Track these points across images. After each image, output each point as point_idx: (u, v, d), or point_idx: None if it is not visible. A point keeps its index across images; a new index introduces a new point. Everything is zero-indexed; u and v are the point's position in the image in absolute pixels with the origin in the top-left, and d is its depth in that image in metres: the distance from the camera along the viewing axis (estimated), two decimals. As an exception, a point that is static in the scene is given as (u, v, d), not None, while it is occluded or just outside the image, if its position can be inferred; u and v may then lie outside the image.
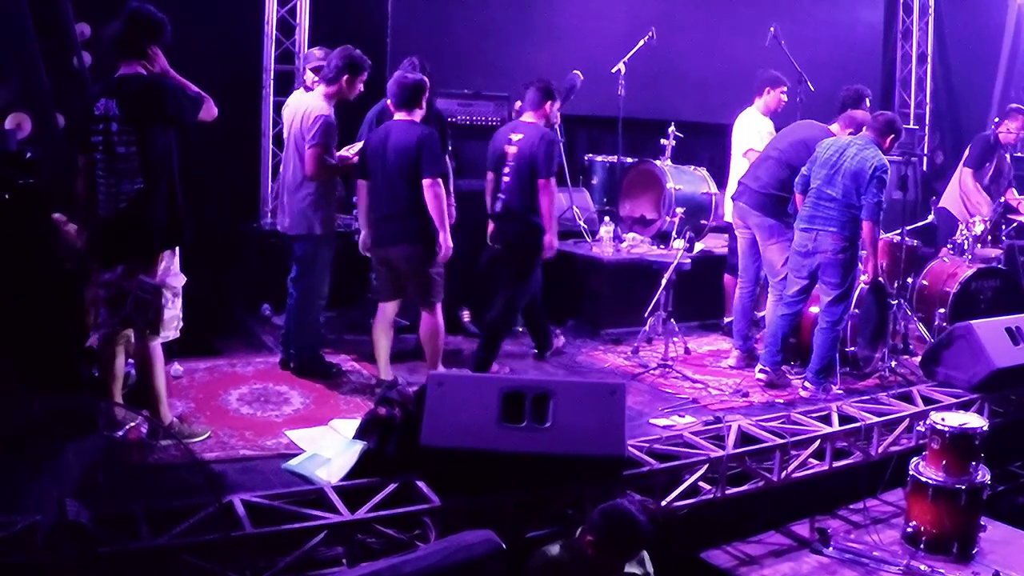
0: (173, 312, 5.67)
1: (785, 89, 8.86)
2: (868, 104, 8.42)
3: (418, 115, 6.86)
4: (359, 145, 7.17)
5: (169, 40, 5.60)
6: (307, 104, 7.09)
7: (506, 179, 7.45)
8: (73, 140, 5.76)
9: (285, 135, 7.38)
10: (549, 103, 7.53)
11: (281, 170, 7.99)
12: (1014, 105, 10.40)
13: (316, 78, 7.36)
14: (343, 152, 7.11)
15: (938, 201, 10.08)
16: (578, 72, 9.32)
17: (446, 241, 6.72)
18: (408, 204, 6.69)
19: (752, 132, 8.69)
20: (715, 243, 9.75)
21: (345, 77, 6.97)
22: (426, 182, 6.61)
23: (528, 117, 7.57)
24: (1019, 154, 10.76)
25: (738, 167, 8.63)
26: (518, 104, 8.31)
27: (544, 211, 7.35)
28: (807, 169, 7.39)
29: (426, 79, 6.95)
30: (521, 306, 7.74)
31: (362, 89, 7.15)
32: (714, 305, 9.33)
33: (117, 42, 5.49)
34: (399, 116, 6.85)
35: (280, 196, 7.47)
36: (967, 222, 9.31)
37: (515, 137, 7.43)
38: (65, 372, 5.58)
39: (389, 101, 6.98)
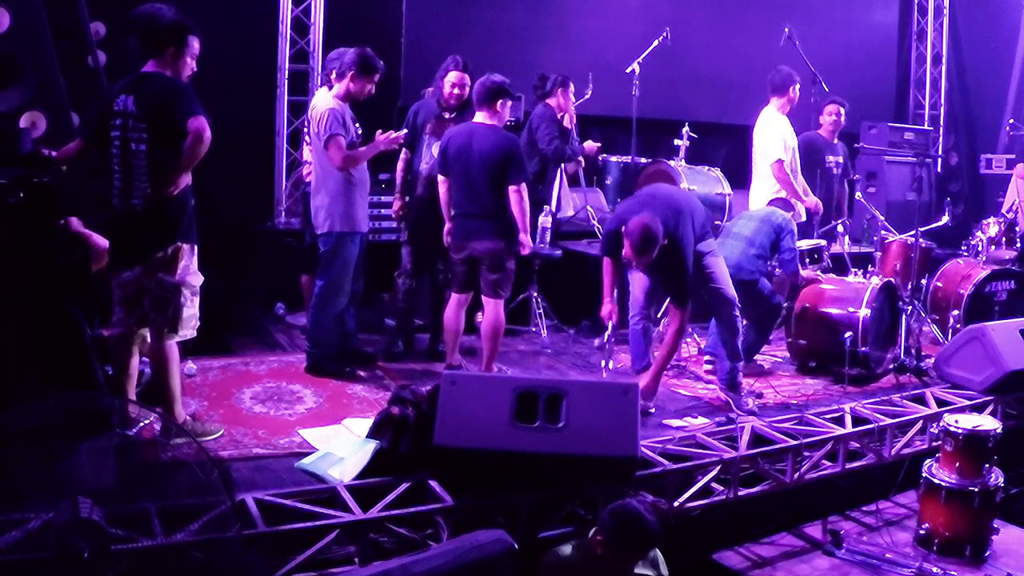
0: (191, 311, 5.68)
1: (799, 86, 8.82)
2: None
3: (499, 118, 7.04)
4: (402, 132, 7.43)
5: (196, 49, 5.63)
6: (318, 104, 7.16)
7: None
8: (85, 135, 5.78)
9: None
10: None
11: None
12: None
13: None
14: (381, 139, 7.18)
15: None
16: None
17: (527, 240, 7.08)
18: (491, 204, 6.96)
19: (778, 139, 8.63)
20: (761, 209, 9.64)
21: (351, 73, 6.98)
22: (512, 188, 6.89)
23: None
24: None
25: (761, 172, 8.64)
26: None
27: None
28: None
29: (507, 83, 7.11)
30: None
31: (373, 91, 7.13)
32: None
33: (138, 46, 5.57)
34: (480, 117, 7.04)
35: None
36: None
37: None
38: (79, 371, 5.59)
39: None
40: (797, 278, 7.90)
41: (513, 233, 7.00)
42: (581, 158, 9.79)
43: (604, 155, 10.91)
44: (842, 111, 9.31)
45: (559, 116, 8.69)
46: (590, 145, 8.98)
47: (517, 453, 5.02)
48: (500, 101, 6.99)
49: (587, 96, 9.63)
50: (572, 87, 8.78)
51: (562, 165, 9.03)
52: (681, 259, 6.65)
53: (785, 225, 7.75)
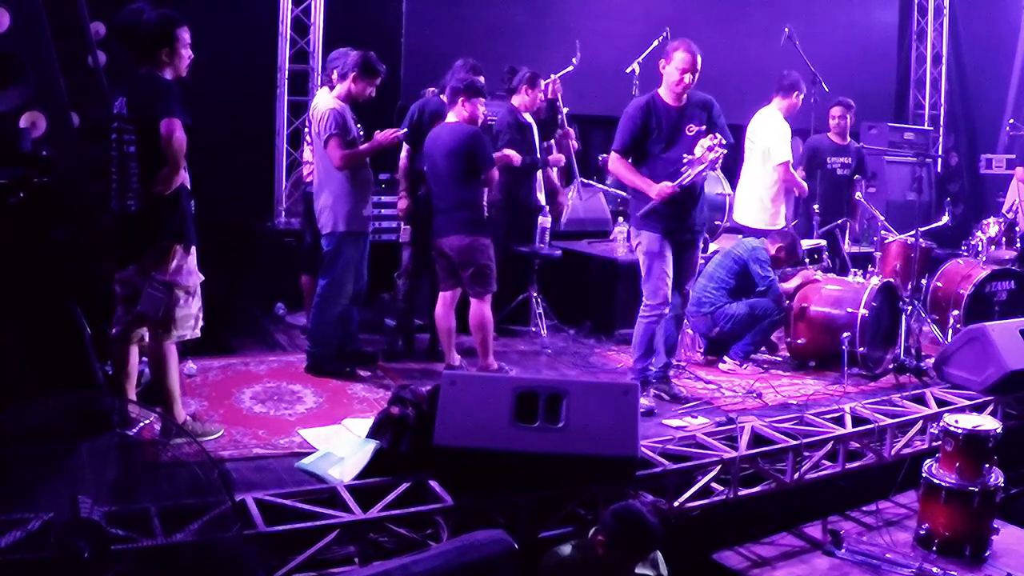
0: (187, 311, 5.67)
1: (803, 95, 8.86)
2: None
3: (466, 116, 7.20)
4: (403, 130, 7.54)
5: (184, 40, 5.60)
6: (319, 104, 7.21)
7: None
8: (96, 138, 5.83)
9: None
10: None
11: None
12: None
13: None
14: (380, 135, 7.15)
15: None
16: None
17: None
18: (458, 200, 7.20)
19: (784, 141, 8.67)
20: (729, 244, 9.70)
21: (353, 75, 7.03)
22: (484, 178, 7.22)
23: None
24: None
25: (753, 168, 8.66)
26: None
27: None
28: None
29: (465, 79, 7.30)
30: None
31: (373, 93, 7.17)
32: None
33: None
34: (450, 117, 7.29)
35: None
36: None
37: None
38: (79, 371, 5.59)
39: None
40: (782, 300, 7.98)
41: (480, 227, 7.21)
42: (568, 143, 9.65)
43: (603, 155, 10.89)
44: (846, 112, 9.33)
45: (523, 116, 8.58)
46: (555, 157, 8.99)
47: (517, 453, 5.02)
48: (462, 99, 7.16)
49: (572, 68, 9.56)
50: (542, 84, 8.70)
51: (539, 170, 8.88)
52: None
53: (747, 255, 8.00)
